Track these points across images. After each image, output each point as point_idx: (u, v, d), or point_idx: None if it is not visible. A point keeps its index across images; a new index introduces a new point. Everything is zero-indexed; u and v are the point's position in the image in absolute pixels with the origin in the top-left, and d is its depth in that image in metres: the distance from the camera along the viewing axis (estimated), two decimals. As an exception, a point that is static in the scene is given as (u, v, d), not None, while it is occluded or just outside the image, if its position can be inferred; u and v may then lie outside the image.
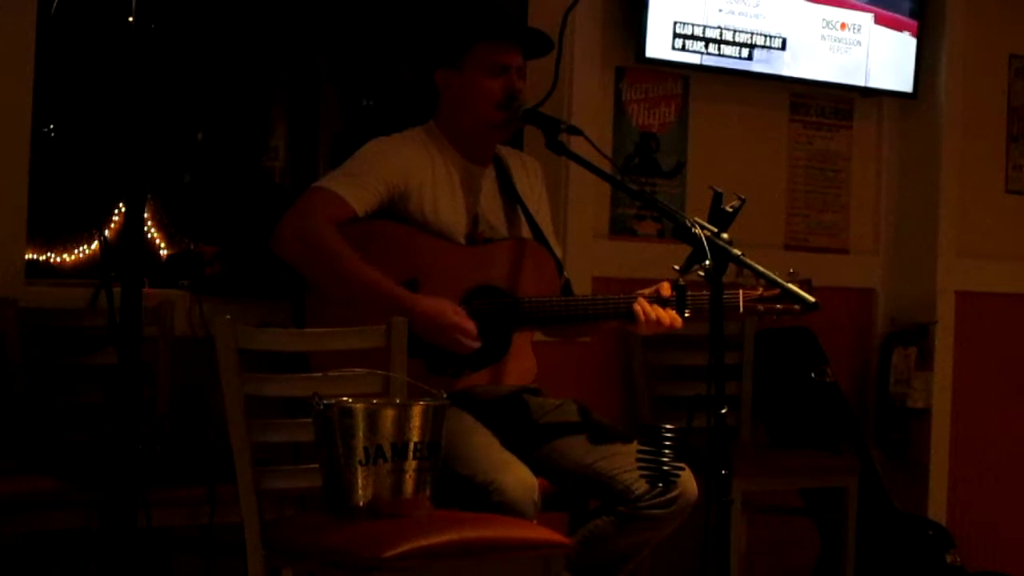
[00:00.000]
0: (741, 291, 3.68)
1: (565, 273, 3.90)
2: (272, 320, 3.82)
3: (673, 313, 3.62)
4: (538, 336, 3.90)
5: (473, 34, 3.73)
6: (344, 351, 3.35)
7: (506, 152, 3.88)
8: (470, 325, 3.55)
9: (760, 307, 3.71)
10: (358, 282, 3.52)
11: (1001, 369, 5.68)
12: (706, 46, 4.84)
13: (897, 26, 5.28)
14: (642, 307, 3.61)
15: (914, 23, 5.31)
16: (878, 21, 5.23)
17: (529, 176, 3.89)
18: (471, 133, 3.75)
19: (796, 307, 3.66)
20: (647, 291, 3.67)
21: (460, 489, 3.36)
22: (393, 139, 3.76)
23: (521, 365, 3.74)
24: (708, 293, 3.49)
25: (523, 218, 3.82)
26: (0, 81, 3.81)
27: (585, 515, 3.66)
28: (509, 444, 3.55)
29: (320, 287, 3.58)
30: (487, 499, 3.34)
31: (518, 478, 3.39)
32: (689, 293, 3.62)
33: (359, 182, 3.61)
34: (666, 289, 3.65)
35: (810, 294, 3.36)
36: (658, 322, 3.61)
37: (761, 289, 3.69)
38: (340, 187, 3.60)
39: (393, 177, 3.65)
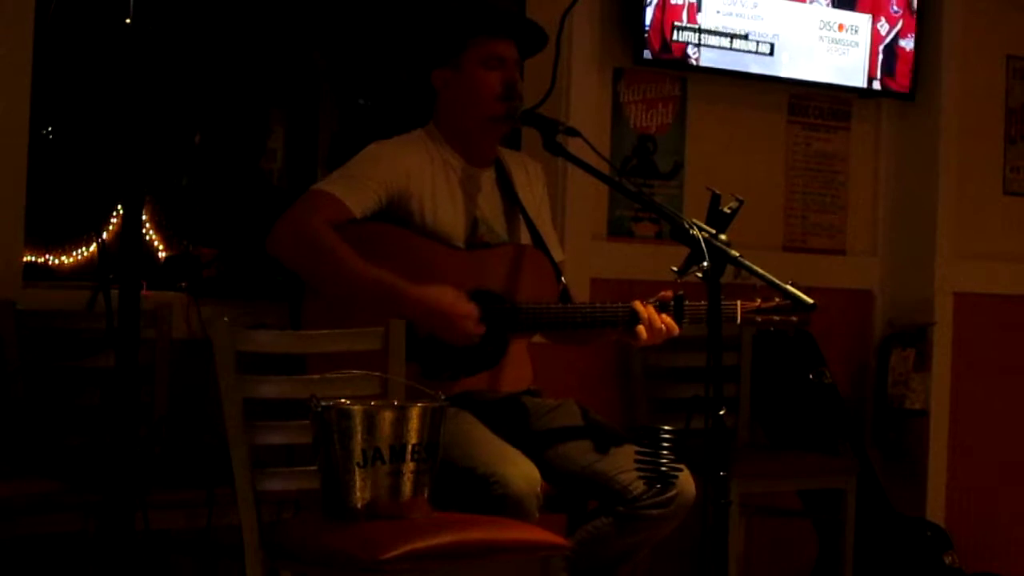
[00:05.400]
0: (739, 303, 3.69)
1: (563, 277, 3.89)
2: (269, 322, 3.82)
3: (670, 321, 3.63)
4: (537, 338, 3.90)
5: (467, 30, 3.73)
6: (341, 353, 3.35)
7: (507, 154, 3.88)
8: (472, 308, 3.54)
9: (758, 318, 3.72)
10: (353, 275, 3.51)
11: (999, 370, 5.68)
12: (704, 47, 4.84)
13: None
14: (647, 315, 3.62)
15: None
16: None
17: (530, 179, 3.88)
18: (471, 132, 3.75)
19: (793, 319, 3.68)
20: (649, 300, 3.67)
21: (460, 483, 3.35)
22: (393, 142, 3.76)
23: (517, 371, 3.74)
24: (704, 303, 3.50)
25: (523, 221, 3.82)
26: (-2, 83, 3.82)
27: (584, 516, 3.66)
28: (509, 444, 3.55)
29: (316, 284, 3.58)
30: (488, 491, 3.33)
31: (521, 470, 3.38)
32: (686, 303, 3.63)
33: (357, 184, 3.61)
34: (667, 296, 3.66)
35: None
36: (657, 331, 3.62)
37: (759, 300, 3.70)
38: (338, 189, 3.60)
39: (392, 180, 3.65)
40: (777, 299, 3.66)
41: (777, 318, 3.71)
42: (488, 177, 3.80)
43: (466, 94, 3.72)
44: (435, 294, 3.51)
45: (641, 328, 3.61)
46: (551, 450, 3.63)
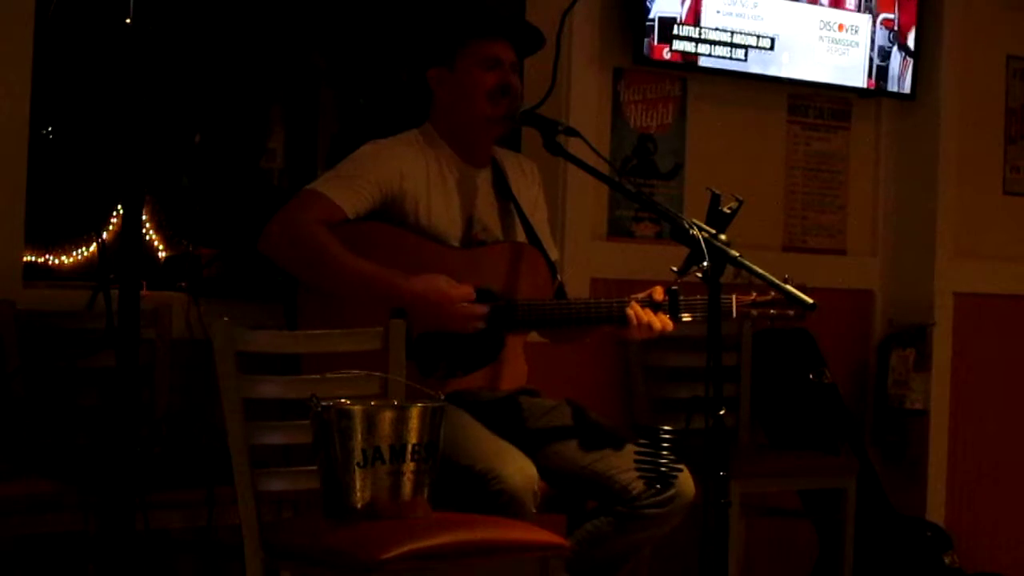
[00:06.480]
0: (734, 296, 3.68)
1: (561, 275, 3.90)
2: (269, 322, 3.82)
3: (665, 318, 3.62)
4: (534, 337, 3.90)
5: (465, 31, 3.74)
6: (339, 352, 3.35)
7: (503, 154, 3.88)
8: (468, 290, 3.54)
9: (753, 312, 3.72)
10: (345, 271, 3.51)
11: (999, 370, 5.68)
12: (704, 47, 4.84)
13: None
14: (635, 312, 3.62)
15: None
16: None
17: (526, 178, 3.89)
18: (466, 130, 3.75)
19: (790, 312, 3.68)
20: (640, 295, 3.67)
21: (458, 480, 3.35)
22: (388, 141, 3.76)
23: (513, 368, 3.74)
24: (700, 297, 3.50)
25: (518, 220, 3.82)
26: (-2, 83, 3.82)
27: (583, 516, 3.66)
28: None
29: (308, 282, 3.58)
30: (486, 488, 3.33)
31: (518, 467, 3.39)
32: (681, 297, 3.63)
33: (350, 184, 3.61)
34: (659, 293, 3.65)
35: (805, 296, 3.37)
36: (649, 327, 3.61)
37: (755, 294, 3.70)
38: (331, 189, 3.60)
39: (386, 180, 3.65)
40: (773, 293, 3.65)
41: (773, 311, 3.71)
42: (483, 176, 3.80)
43: (461, 94, 3.72)
44: (431, 283, 3.52)
45: (631, 316, 3.61)
46: (547, 449, 3.63)
